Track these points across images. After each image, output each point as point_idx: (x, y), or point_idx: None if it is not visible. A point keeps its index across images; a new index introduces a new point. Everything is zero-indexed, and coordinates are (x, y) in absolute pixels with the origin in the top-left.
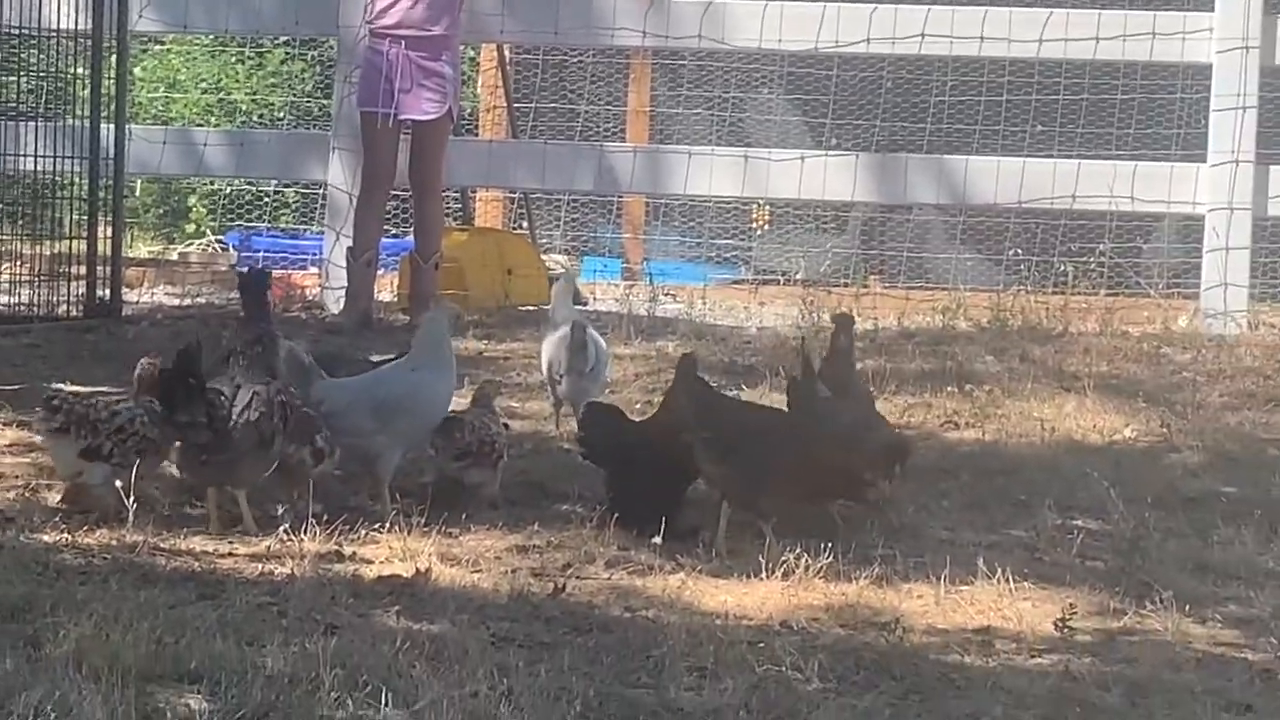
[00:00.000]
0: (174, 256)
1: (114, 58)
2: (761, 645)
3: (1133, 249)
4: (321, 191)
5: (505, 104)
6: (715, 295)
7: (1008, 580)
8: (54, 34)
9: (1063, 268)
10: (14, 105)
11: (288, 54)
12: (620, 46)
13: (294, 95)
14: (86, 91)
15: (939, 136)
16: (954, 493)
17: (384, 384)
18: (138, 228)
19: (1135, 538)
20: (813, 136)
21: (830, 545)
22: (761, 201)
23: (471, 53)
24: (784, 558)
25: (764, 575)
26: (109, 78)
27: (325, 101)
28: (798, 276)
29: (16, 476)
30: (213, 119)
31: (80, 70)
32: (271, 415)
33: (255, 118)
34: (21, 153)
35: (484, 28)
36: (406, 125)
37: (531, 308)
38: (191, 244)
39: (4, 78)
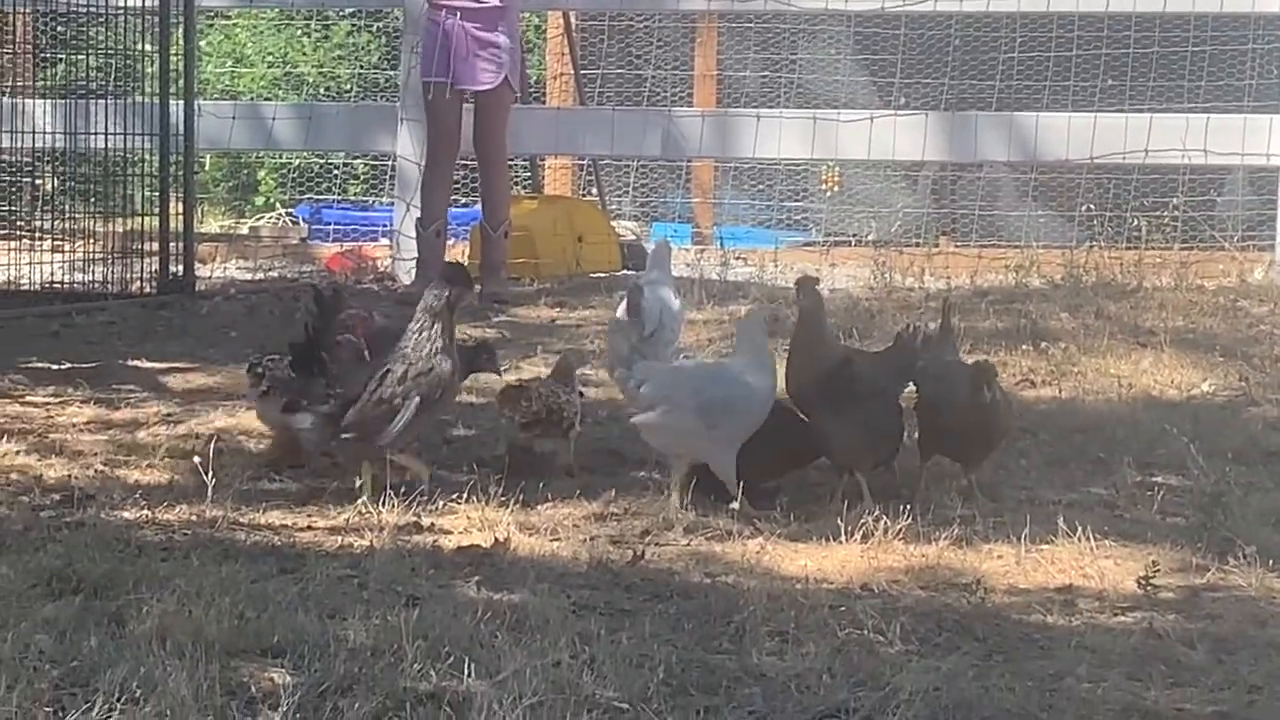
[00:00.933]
0: (245, 231)
1: (181, 33)
2: (842, 609)
3: (1206, 202)
4: (390, 163)
5: (572, 71)
6: (786, 258)
7: (1089, 538)
8: (121, 11)
9: (1136, 222)
10: (84, 84)
11: (353, 26)
12: (686, 10)
13: (361, 67)
14: (155, 68)
15: (1008, 93)
16: (1032, 451)
17: (715, 384)
18: (208, 202)
19: (1216, 493)
20: (881, 96)
21: (909, 506)
22: (831, 163)
23: (537, 20)
24: (863, 520)
25: (843, 538)
26: (177, 54)
27: (392, 73)
28: (869, 237)
29: (95, 454)
30: (280, 93)
31: (148, 47)
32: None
33: (322, 90)
34: (92, 130)
35: None
36: (469, 95)
37: (603, 274)
38: (262, 218)
39: (73, 56)
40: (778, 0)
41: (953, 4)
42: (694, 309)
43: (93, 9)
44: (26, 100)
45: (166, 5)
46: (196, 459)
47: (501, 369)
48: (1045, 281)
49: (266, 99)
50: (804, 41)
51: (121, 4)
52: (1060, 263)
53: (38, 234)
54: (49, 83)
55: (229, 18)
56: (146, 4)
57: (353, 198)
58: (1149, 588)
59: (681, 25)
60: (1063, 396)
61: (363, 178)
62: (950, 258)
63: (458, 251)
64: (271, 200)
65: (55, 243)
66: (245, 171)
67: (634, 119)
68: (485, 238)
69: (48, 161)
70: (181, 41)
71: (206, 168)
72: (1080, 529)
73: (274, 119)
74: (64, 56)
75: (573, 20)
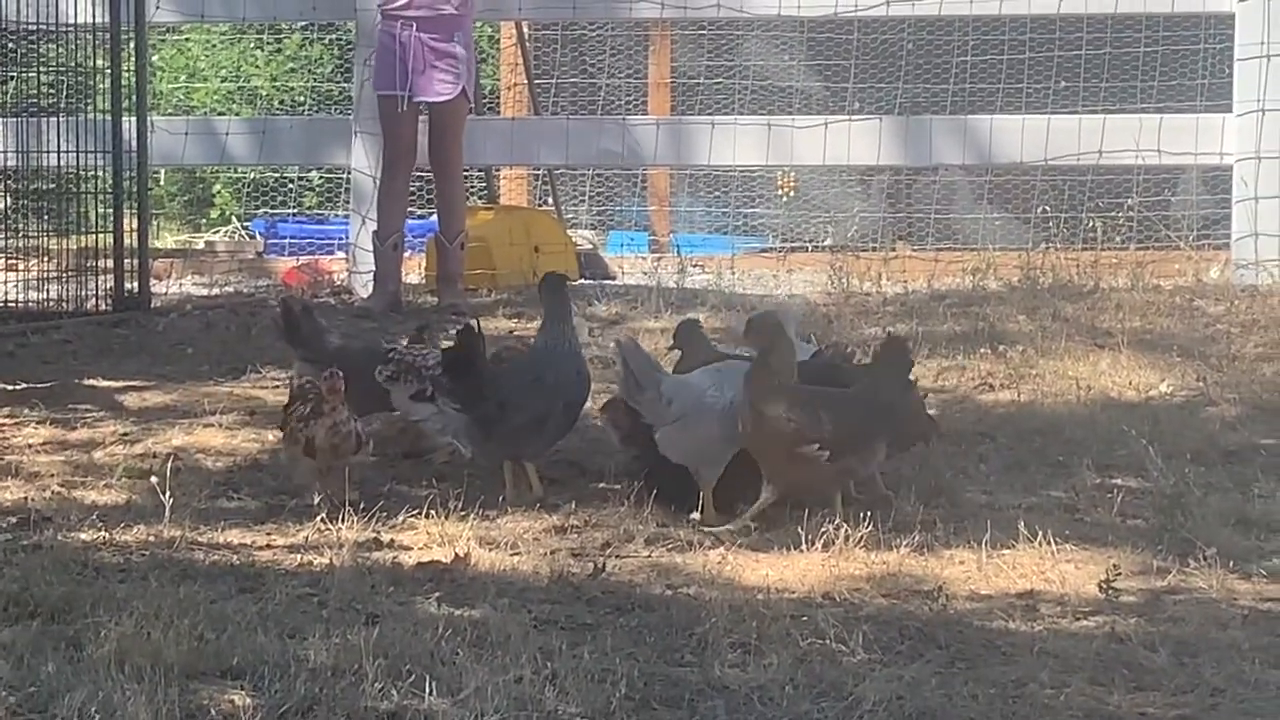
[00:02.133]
0: (200, 245)
1: (133, 49)
2: (804, 618)
3: (1161, 202)
4: (345, 176)
5: (526, 81)
6: (743, 265)
7: (1049, 542)
8: (72, 28)
9: (1091, 223)
10: (35, 101)
11: (306, 39)
12: (639, 18)
13: (314, 79)
14: (106, 84)
15: (962, 97)
16: (991, 455)
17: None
18: (163, 217)
19: (1176, 494)
20: (835, 101)
21: (870, 514)
22: (786, 168)
23: (490, 31)
24: (823, 529)
25: (804, 547)
26: (129, 70)
27: (345, 85)
28: (825, 243)
29: (52, 475)
30: (234, 106)
31: (100, 63)
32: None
33: (276, 103)
34: (45, 149)
35: (501, 5)
36: (424, 107)
37: None
38: (218, 231)
39: (24, 73)
40: (731, 8)
41: (905, 8)
42: (651, 318)
43: (44, 26)
44: None
45: (117, 22)
46: (154, 479)
47: None
48: (1002, 284)
49: (220, 113)
50: (757, 47)
51: (73, 20)
52: (1017, 265)
53: None
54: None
55: (182, 32)
56: (98, 20)
57: (308, 211)
58: (1110, 591)
59: (635, 33)
60: (1021, 399)
61: (318, 190)
62: (907, 262)
63: (414, 264)
64: (227, 214)
65: (9, 261)
66: (200, 185)
67: (589, 127)
68: (441, 249)
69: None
70: (133, 57)
71: (161, 182)
72: (1041, 533)
73: (228, 134)
74: (15, 74)
75: (525, 30)
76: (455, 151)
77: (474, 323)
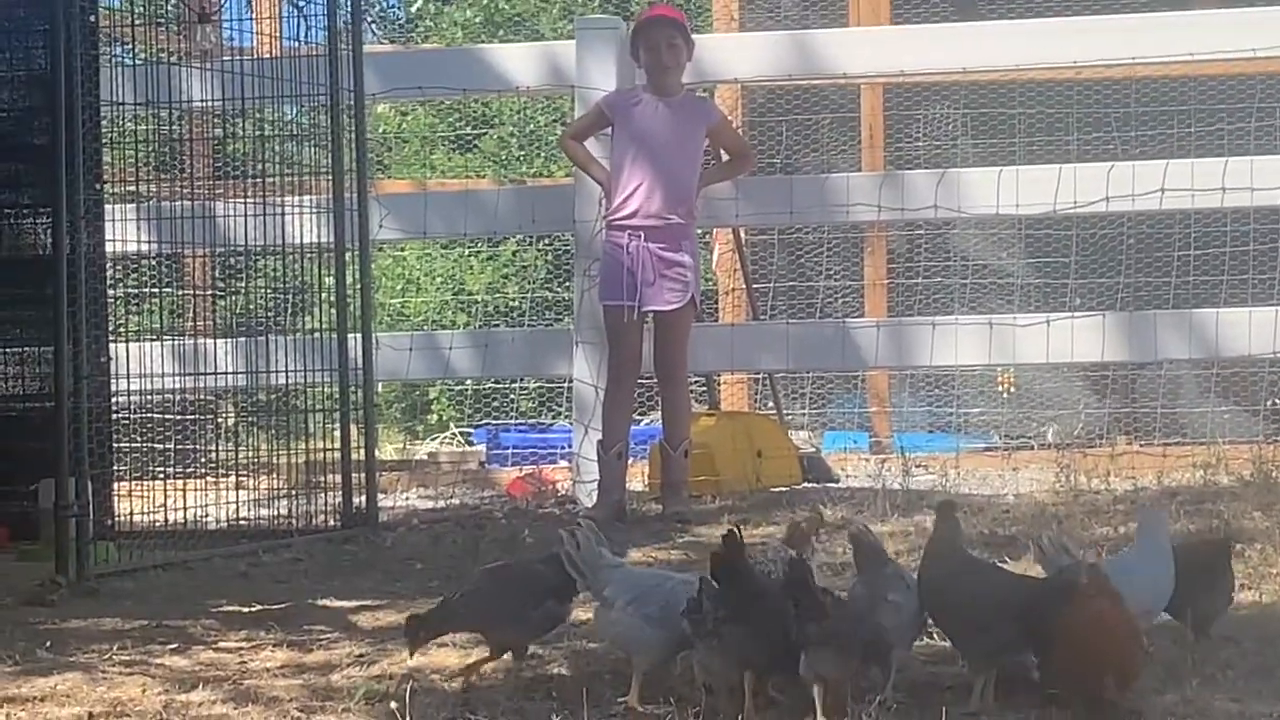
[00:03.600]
0: (422, 455)
1: (357, 266)
2: None
3: None
4: (566, 384)
5: (744, 285)
6: (968, 463)
7: None
8: (296, 248)
9: None
10: (261, 319)
11: (520, 245)
12: (856, 221)
13: (530, 284)
14: (331, 300)
15: (1185, 289)
16: (1238, 661)
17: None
18: (382, 425)
19: None
20: (1055, 297)
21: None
22: (1009, 366)
23: (706, 236)
24: None
25: None
26: (353, 285)
27: (561, 291)
28: (1050, 440)
29: (291, 699)
30: (450, 314)
31: (325, 278)
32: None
33: (493, 309)
34: (271, 368)
35: (719, 213)
36: (649, 316)
37: (783, 489)
38: (436, 438)
39: (249, 291)
40: (948, 207)
41: (1125, 204)
42: (878, 521)
43: (268, 246)
44: (206, 339)
45: (341, 238)
46: (393, 704)
47: None
48: (1234, 479)
49: (438, 322)
50: (974, 245)
51: (296, 239)
52: (1248, 458)
53: (221, 471)
54: (226, 319)
55: (401, 244)
56: (322, 239)
57: (529, 420)
58: None
59: (850, 235)
60: (1264, 601)
61: (537, 396)
62: (1134, 457)
63: (637, 471)
64: (445, 419)
65: (239, 480)
66: (417, 392)
67: (808, 331)
68: (666, 456)
69: (228, 398)
70: (358, 274)
71: (380, 391)
72: None
73: (450, 348)
74: (241, 290)
75: (743, 234)
76: (681, 359)
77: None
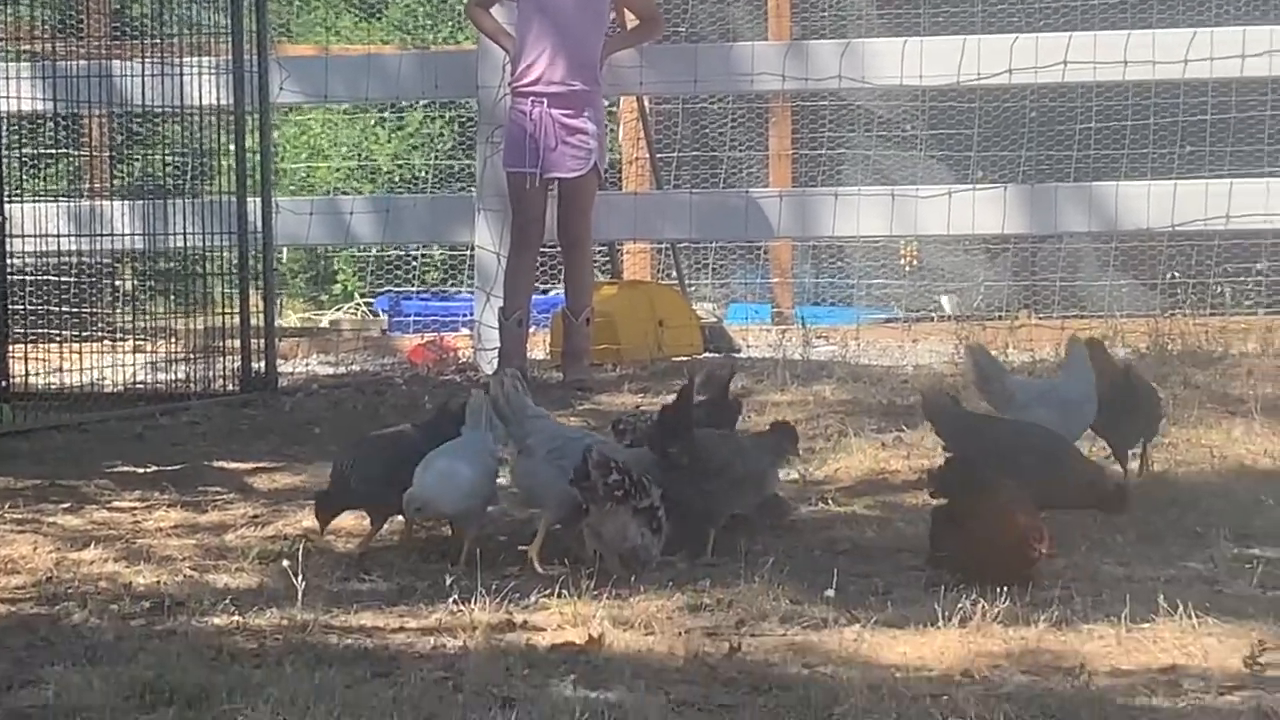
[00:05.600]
0: (324, 323)
1: (258, 132)
2: (944, 698)
3: None
4: (469, 252)
5: (648, 155)
6: (868, 335)
7: (1190, 616)
8: (196, 109)
9: (1220, 289)
10: (161, 183)
11: (427, 115)
12: (760, 91)
13: (435, 155)
14: (232, 164)
15: (1086, 163)
16: (1126, 527)
17: None
18: (286, 294)
19: None
20: (957, 170)
21: (1006, 589)
22: (911, 239)
23: (611, 106)
24: (960, 604)
25: (940, 624)
26: (253, 151)
27: (466, 161)
28: (946, 311)
29: (184, 559)
30: (355, 184)
31: (222, 140)
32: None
33: (397, 179)
34: (170, 231)
35: (623, 81)
36: (553, 184)
37: (685, 358)
38: (340, 308)
39: (150, 155)
40: (852, 78)
41: (1028, 75)
42: (778, 391)
43: (168, 107)
44: (104, 201)
45: (241, 101)
46: (285, 561)
47: None
48: (1131, 351)
49: (342, 191)
50: (879, 117)
51: (197, 101)
52: (1145, 331)
53: (119, 335)
54: (125, 181)
55: (303, 111)
56: (221, 101)
57: (431, 288)
58: (1255, 666)
59: (755, 106)
60: (1154, 469)
61: (441, 265)
62: (1033, 330)
63: (539, 339)
64: (349, 289)
65: (136, 343)
66: (322, 262)
67: (712, 201)
68: (568, 324)
69: (127, 262)
70: (257, 137)
71: (284, 259)
72: (1181, 606)
73: (351, 213)
74: (140, 155)
75: (647, 104)
76: (586, 227)
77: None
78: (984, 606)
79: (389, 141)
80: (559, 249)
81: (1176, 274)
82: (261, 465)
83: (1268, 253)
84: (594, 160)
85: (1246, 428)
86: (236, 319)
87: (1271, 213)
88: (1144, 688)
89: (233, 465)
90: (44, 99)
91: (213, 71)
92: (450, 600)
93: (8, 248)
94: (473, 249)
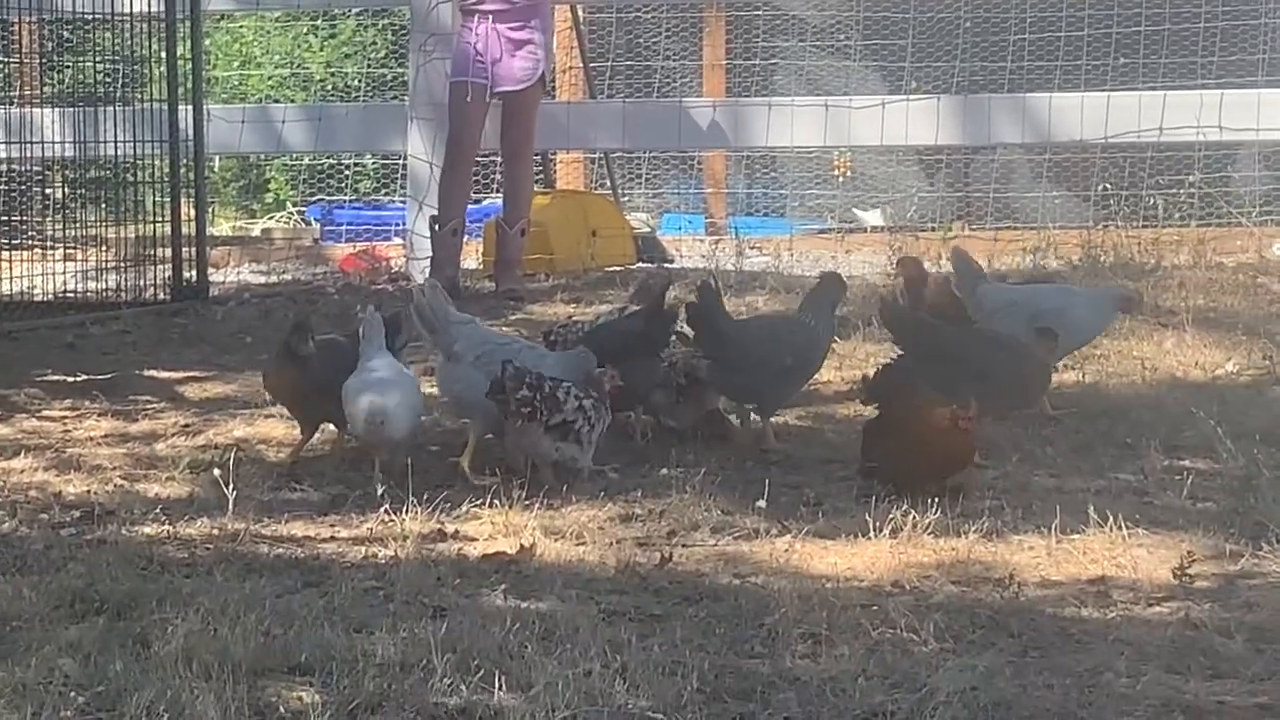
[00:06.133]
0: (256, 232)
1: (189, 39)
2: (875, 607)
3: (1222, 178)
4: (401, 162)
5: (581, 65)
6: (801, 246)
7: (1120, 527)
8: (127, 16)
9: (1152, 201)
10: (91, 90)
11: (360, 24)
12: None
13: (368, 64)
14: (162, 72)
15: (1020, 75)
16: (1057, 438)
17: None
18: (218, 203)
19: (1246, 476)
20: (891, 81)
21: (937, 500)
22: (844, 149)
23: None
24: (891, 515)
25: (871, 534)
26: (184, 58)
27: (399, 70)
28: (874, 223)
29: (114, 468)
30: (288, 92)
31: (154, 48)
32: None
33: (330, 88)
34: (100, 138)
35: None
36: (494, 96)
37: (618, 268)
38: (272, 217)
39: (80, 63)
40: None
41: None
42: None
43: (99, 15)
44: (34, 109)
45: (173, 8)
46: (216, 471)
47: None
48: (1063, 263)
49: (275, 99)
50: (813, 27)
51: (128, 8)
52: (1077, 243)
53: (49, 243)
54: (56, 89)
55: (235, 19)
56: (153, 8)
57: (364, 197)
58: (1183, 577)
59: (688, 15)
60: (1086, 380)
61: (373, 174)
62: (966, 241)
63: (472, 249)
64: (282, 199)
65: (67, 251)
66: (254, 171)
67: (644, 111)
68: (502, 234)
69: (57, 170)
70: (189, 45)
71: (216, 169)
72: (1110, 517)
73: (284, 121)
74: (71, 63)
75: (580, 13)
76: (528, 137)
77: (711, 280)
78: (915, 517)
79: (321, 50)
80: (494, 159)
81: (1109, 186)
82: (192, 374)
83: (1200, 164)
84: (541, 70)
85: (1178, 339)
86: (168, 227)
87: (1204, 125)
88: (1073, 598)
89: (163, 374)
90: None
91: None
92: (381, 510)
93: None
94: (405, 158)
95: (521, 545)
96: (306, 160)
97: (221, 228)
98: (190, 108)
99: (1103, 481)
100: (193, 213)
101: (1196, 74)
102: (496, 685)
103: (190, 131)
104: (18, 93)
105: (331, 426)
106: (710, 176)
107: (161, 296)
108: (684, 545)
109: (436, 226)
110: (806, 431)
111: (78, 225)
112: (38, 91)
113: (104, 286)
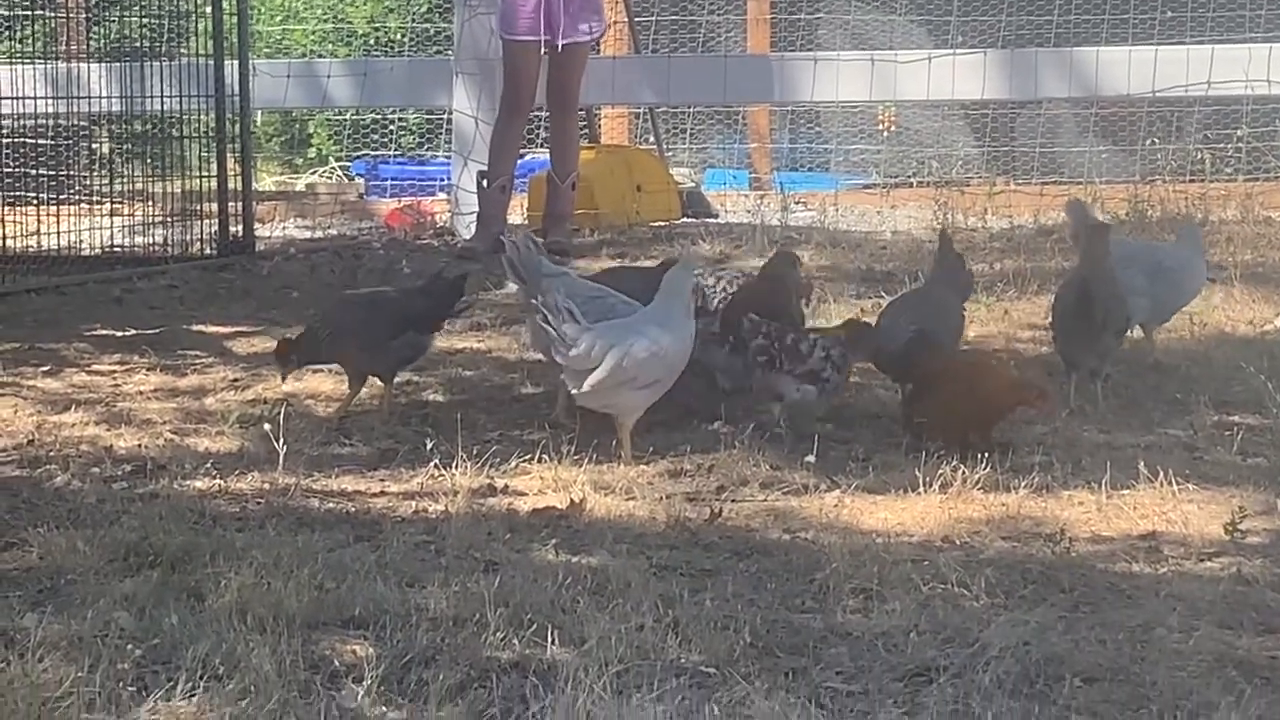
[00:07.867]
0: (301, 187)
1: None
2: (925, 563)
3: (1270, 132)
4: (446, 116)
5: (626, 19)
6: (846, 201)
7: (1170, 483)
8: None
9: (1200, 155)
10: (137, 44)
11: None
12: None
13: (411, 19)
14: (207, 26)
15: (1067, 28)
16: (1107, 394)
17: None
18: (261, 158)
19: None
20: (936, 35)
21: (987, 455)
22: (889, 104)
23: None
24: (940, 470)
25: (921, 489)
26: (230, 12)
27: (443, 24)
28: (929, 178)
29: (165, 422)
30: (331, 47)
31: (199, 2)
32: None
33: (373, 42)
34: (146, 94)
35: None
36: (546, 50)
37: (662, 223)
38: (315, 172)
39: (125, 17)
40: None
41: None
42: (758, 256)
43: None
44: (79, 64)
45: None
46: (266, 426)
47: None
48: (1110, 217)
49: (317, 53)
50: None
51: None
52: (1124, 198)
53: (96, 198)
54: (101, 44)
55: None
56: None
57: (408, 152)
58: (1235, 532)
59: None
60: (1133, 336)
61: (416, 130)
62: (1012, 196)
63: (516, 203)
64: (325, 153)
65: (114, 206)
66: (297, 125)
67: (690, 66)
68: (552, 188)
69: (103, 125)
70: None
71: (258, 123)
72: (1161, 473)
73: (328, 76)
74: (116, 17)
75: None
76: (576, 90)
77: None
78: (964, 473)
79: (365, 4)
80: (548, 112)
81: (1156, 140)
82: (240, 329)
83: (1248, 118)
84: (604, 21)
85: (1226, 294)
86: (213, 182)
87: (1253, 79)
88: (1124, 554)
89: (211, 329)
90: None
91: None
92: (431, 465)
93: None
94: (450, 113)
95: (571, 500)
96: (349, 115)
97: (265, 182)
98: (236, 62)
99: (1152, 437)
100: (239, 168)
101: (1245, 27)
102: (549, 640)
103: (236, 87)
104: (63, 48)
105: (378, 381)
106: (755, 131)
107: (208, 251)
108: (733, 500)
109: (485, 183)
110: (855, 386)
111: (124, 180)
112: (83, 47)
113: (150, 241)
